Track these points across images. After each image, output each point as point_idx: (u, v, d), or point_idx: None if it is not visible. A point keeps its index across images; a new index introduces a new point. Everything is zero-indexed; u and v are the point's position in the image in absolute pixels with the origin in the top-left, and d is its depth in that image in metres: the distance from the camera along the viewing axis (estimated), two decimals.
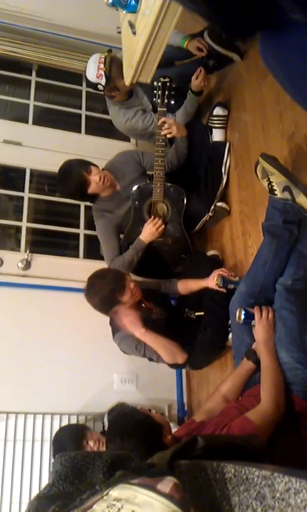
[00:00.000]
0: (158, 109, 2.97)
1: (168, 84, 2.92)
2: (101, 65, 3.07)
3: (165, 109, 2.97)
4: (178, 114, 3.19)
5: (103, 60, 3.07)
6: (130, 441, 1.65)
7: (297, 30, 0.56)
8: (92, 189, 3.06)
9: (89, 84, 3.20)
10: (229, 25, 0.53)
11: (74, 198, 3.40)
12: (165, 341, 2.69)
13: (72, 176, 3.03)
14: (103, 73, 3.07)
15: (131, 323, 2.64)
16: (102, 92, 3.22)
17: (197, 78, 3.13)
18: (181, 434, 2.04)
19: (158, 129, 2.97)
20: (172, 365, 3.08)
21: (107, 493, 0.79)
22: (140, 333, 2.64)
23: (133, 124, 3.31)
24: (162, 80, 2.91)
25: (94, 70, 3.09)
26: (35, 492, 2.77)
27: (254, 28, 0.54)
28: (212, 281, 2.73)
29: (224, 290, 2.70)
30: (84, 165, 3.06)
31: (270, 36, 0.64)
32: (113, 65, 3.08)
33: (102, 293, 2.68)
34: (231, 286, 2.69)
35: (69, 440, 2.64)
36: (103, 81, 3.09)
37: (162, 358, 2.73)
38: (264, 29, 0.54)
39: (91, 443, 2.58)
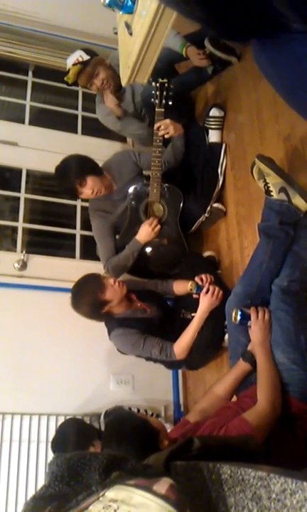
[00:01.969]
0: (156, 109, 2.97)
1: (165, 85, 2.92)
2: (66, 74, 3.34)
3: (163, 109, 2.96)
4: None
5: (67, 70, 3.33)
6: (126, 446, 1.64)
7: (294, 39, 0.54)
8: (83, 197, 3.12)
9: None
10: (226, 29, 0.53)
11: (74, 195, 3.26)
12: (194, 336, 2.74)
13: (65, 183, 3.03)
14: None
15: (212, 302, 2.70)
16: None
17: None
18: (176, 435, 2.04)
19: (155, 130, 2.97)
20: (169, 366, 3.08)
21: (103, 494, 0.80)
22: (205, 311, 2.72)
23: (105, 121, 3.56)
24: (160, 80, 2.92)
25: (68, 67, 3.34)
26: (31, 493, 2.77)
27: (252, 33, 0.53)
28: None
29: (197, 297, 2.75)
30: (80, 174, 3.01)
31: (266, 44, 0.63)
32: (80, 76, 3.31)
33: (85, 299, 2.72)
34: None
35: (74, 441, 2.58)
36: None
37: (176, 347, 2.76)
38: (262, 35, 0.52)
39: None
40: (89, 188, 3.02)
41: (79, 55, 3.26)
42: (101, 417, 2.99)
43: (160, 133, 2.95)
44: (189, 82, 3.45)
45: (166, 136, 2.99)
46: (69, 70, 3.28)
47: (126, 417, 1.87)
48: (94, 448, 2.52)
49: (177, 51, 3.26)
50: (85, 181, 3.01)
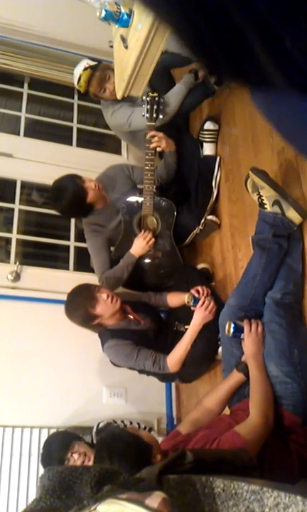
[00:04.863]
0: (147, 123, 2.97)
1: (156, 98, 2.93)
2: (77, 82, 3.21)
3: (153, 123, 2.96)
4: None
5: (78, 78, 3.19)
6: (120, 463, 1.63)
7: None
8: (90, 197, 3.03)
9: None
10: (214, 67, 0.51)
11: (70, 212, 3.26)
12: (187, 348, 2.74)
13: (68, 189, 2.99)
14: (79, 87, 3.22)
15: (205, 316, 2.70)
16: None
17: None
18: (167, 446, 2.02)
19: (147, 143, 2.97)
20: (162, 378, 3.07)
21: (95, 508, 0.79)
22: (198, 325, 2.72)
23: (115, 118, 3.36)
24: (151, 94, 2.92)
25: (75, 80, 3.23)
26: (22, 507, 2.74)
27: (239, 77, 0.51)
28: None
29: (194, 309, 2.74)
30: (76, 176, 3.05)
31: (260, 89, 0.61)
32: (92, 82, 3.17)
33: (77, 312, 2.73)
34: None
35: (56, 447, 2.59)
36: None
37: (169, 359, 2.75)
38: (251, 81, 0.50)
39: (75, 456, 2.52)
40: (89, 181, 3.05)
41: (87, 63, 3.20)
42: (94, 430, 2.97)
43: (152, 145, 2.95)
44: (196, 101, 3.45)
45: (158, 150, 2.99)
46: (80, 77, 3.17)
47: (118, 434, 1.85)
48: (74, 452, 2.52)
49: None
50: (83, 179, 3.05)
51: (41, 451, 2.66)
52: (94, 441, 2.89)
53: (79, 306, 2.71)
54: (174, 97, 3.16)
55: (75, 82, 3.21)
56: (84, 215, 3.19)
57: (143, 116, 2.95)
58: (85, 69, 3.15)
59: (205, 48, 0.45)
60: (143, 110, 2.96)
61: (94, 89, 3.20)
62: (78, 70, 3.19)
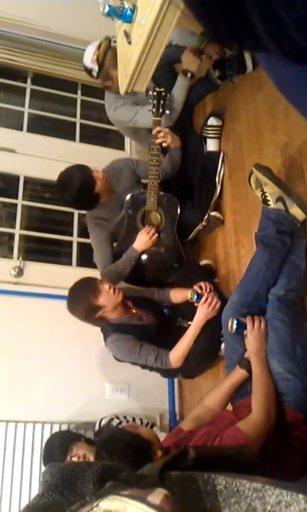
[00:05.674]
0: (153, 118, 2.97)
1: (163, 94, 2.93)
2: (96, 51, 3.10)
3: (159, 118, 2.96)
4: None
5: (98, 45, 3.10)
6: (120, 462, 1.63)
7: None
8: (98, 187, 3.03)
9: (85, 69, 3.22)
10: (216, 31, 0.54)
11: (78, 202, 3.20)
12: (190, 344, 2.74)
13: (77, 176, 2.99)
14: (96, 58, 3.10)
15: (209, 312, 2.70)
16: (97, 79, 3.23)
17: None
18: (169, 443, 2.03)
19: (152, 138, 2.97)
20: (165, 374, 3.08)
21: (97, 505, 0.79)
22: (201, 320, 2.71)
23: (118, 114, 3.31)
24: (157, 89, 2.92)
25: (89, 54, 3.13)
26: (25, 502, 2.75)
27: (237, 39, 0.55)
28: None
29: (197, 305, 2.74)
30: (84, 166, 3.06)
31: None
32: (108, 53, 3.09)
33: (79, 303, 2.74)
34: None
35: (55, 451, 2.61)
36: (96, 67, 3.13)
37: (172, 355, 2.75)
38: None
39: (74, 459, 2.53)
40: (96, 171, 3.04)
41: (100, 40, 3.13)
42: (96, 426, 2.98)
43: (158, 141, 2.95)
44: (199, 95, 3.45)
45: (164, 145, 3.00)
46: (100, 44, 3.08)
47: (118, 434, 1.85)
48: (73, 456, 2.53)
49: (193, 46, 3.22)
50: (91, 169, 3.04)
51: (42, 453, 2.69)
52: (96, 439, 2.90)
53: (81, 298, 2.72)
54: (177, 98, 3.14)
55: (90, 56, 3.12)
56: (90, 206, 3.18)
57: (150, 111, 2.95)
58: (103, 41, 3.10)
59: (207, 12, 0.51)
60: (150, 105, 2.96)
61: (108, 62, 3.10)
62: (94, 45, 3.13)
